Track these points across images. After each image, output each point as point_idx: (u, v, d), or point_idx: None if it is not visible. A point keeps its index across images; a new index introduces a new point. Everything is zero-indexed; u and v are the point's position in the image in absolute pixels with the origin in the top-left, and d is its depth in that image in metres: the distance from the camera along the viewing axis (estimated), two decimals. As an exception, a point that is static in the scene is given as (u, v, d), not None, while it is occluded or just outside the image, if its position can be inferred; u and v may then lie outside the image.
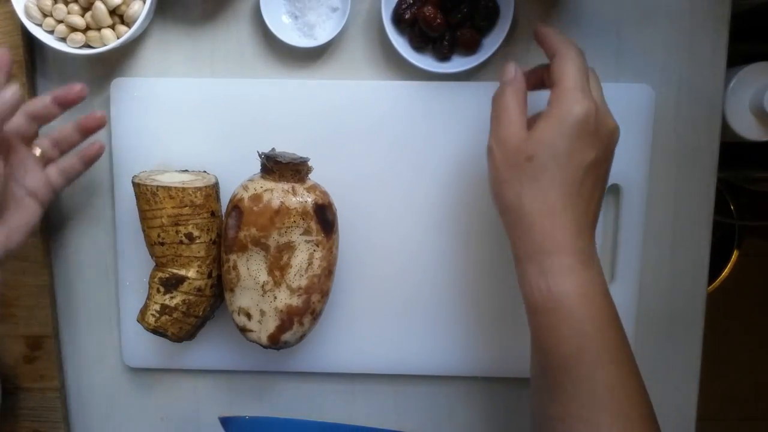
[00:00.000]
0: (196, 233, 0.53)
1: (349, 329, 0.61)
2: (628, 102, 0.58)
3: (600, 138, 0.44)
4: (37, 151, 0.51)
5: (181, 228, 0.53)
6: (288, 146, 0.56)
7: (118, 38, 0.55)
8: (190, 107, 0.59)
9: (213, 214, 0.55)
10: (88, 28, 0.56)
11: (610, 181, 0.59)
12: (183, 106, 0.59)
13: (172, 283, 0.54)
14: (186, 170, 0.59)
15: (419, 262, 0.60)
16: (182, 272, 0.54)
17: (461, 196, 0.60)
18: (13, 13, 0.55)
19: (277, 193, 0.53)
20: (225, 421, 0.64)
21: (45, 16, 0.55)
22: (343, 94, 0.59)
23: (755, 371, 1.42)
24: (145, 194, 0.53)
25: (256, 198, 0.53)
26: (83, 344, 0.64)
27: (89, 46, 0.56)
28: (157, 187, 0.53)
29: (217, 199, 0.56)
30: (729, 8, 0.59)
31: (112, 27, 0.56)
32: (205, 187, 0.54)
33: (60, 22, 0.55)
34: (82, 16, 0.55)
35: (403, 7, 0.57)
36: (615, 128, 0.45)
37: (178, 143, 0.60)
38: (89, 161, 0.55)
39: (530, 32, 0.59)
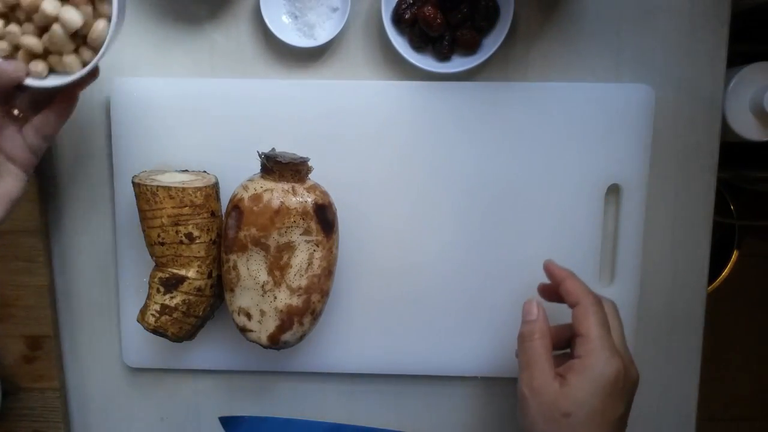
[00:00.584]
0: (196, 233, 0.53)
1: (349, 329, 0.61)
2: (628, 102, 0.58)
3: (627, 391, 0.48)
4: (15, 111, 0.48)
5: (181, 228, 0.53)
6: (288, 146, 0.56)
7: (83, 66, 0.46)
8: (190, 107, 0.59)
9: (213, 214, 0.55)
10: (47, 51, 0.46)
11: (610, 180, 0.59)
12: (183, 106, 0.59)
13: (172, 283, 0.54)
14: (186, 170, 0.59)
15: (419, 261, 0.60)
16: (182, 272, 0.54)
17: (461, 196, 0.60)
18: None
19: (277, 193, 0.53)
20: (225, 421, 0.64)
21: None
22: (343, 94, 0.59)
23: (755, 371, 1.42)
24: (145, 194, 0.53)
25: (256, 198, 0.53)
26: (83, 344, 0.64)
27: (53, 71, 0.47)
28: (157, 187, 0.53)
29: (217, 199, 0.56)
30: (729, 8, 0.59)
31: (76, 51, 0.46)
32: (205, 187, 0.54)
33: (16, 48, 0.46)
34: (39, 36, 0.45)
35: (403, 7, 0.57)
36: (637, 378, 0.50)
37: (178, 143, 0.60)
38: (64, 113, 0.48)
39: (530, 32, 0.60)
